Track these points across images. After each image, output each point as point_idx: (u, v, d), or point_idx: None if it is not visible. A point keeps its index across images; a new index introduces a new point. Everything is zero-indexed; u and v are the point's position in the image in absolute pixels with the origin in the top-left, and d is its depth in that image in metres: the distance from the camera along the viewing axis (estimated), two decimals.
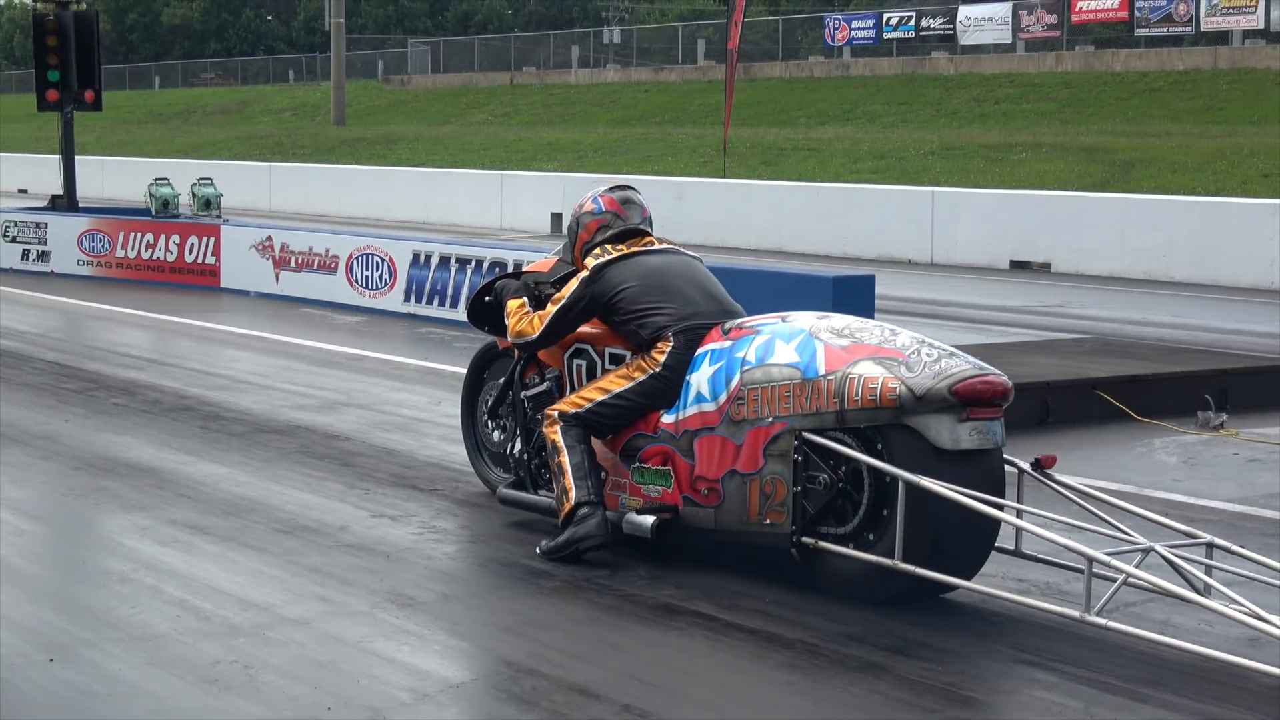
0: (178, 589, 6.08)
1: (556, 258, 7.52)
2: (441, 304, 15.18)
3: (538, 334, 6.99)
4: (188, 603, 5.90)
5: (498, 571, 6.49)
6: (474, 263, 14.96)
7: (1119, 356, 11.34)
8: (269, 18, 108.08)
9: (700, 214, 25.94)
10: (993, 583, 6.02)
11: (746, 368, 6.20)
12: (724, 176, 28.77)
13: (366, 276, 16.18)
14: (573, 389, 6.96)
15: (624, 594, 6.08)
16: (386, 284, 15.94)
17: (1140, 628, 5.37)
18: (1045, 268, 21.57)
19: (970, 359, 5.92)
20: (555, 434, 6.68)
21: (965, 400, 5.74)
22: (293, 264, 17.16)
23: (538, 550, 6.56)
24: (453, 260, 15.29)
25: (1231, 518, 7.53)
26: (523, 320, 7.06)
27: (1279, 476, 8.53)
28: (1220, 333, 14.82)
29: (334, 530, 7.02)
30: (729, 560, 6.40)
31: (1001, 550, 6.08)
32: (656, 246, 7.03)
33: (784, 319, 6.34)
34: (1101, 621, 5.30)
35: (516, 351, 7.36)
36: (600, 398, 6.67)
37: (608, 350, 6.90)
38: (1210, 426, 9.73)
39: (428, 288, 15.45)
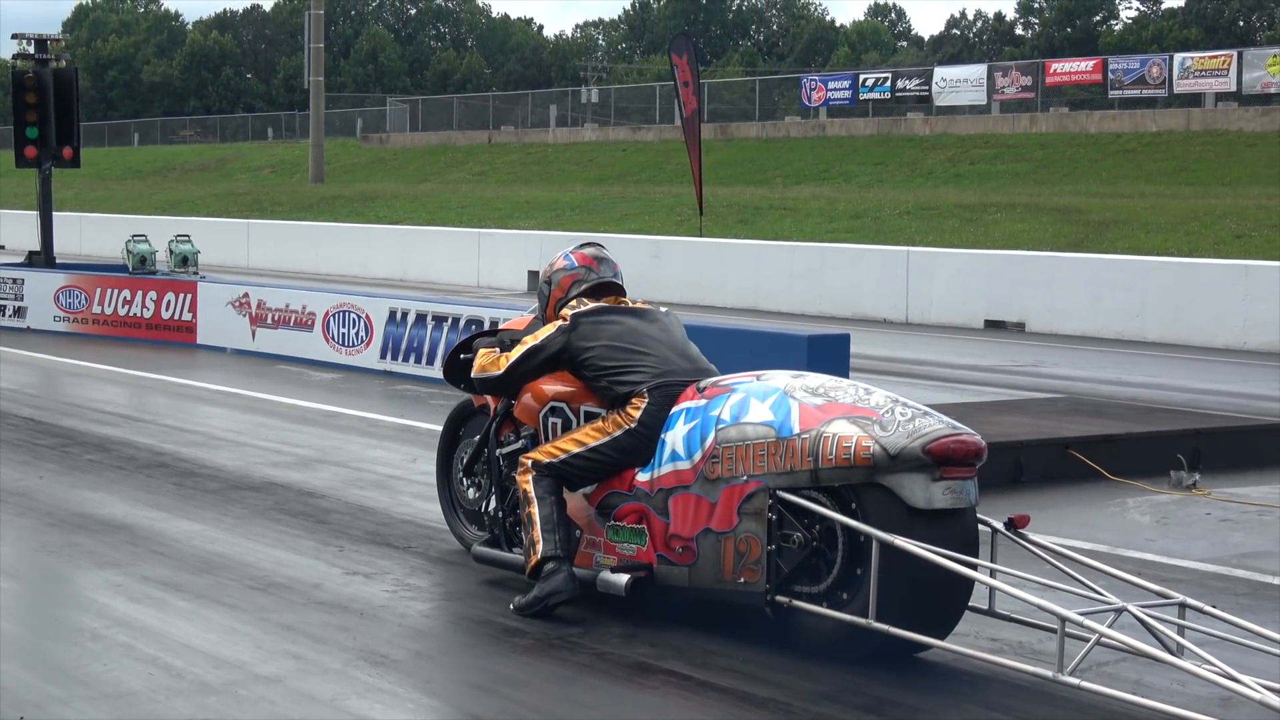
0: (150, 646, 6.06)
1: (532, 315, 7.56)
2: (418, 361, 15.19)
3: (502, 371, 7.01)
4: (160, 660, 5.88)
5: (471, 629, 6.49)
6: (450, 320, 14.98)
7: (1092, 416, 11.38)
8: (248, 76, 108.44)
9: (676, 273, 26.02)
10: (966, 642, 6.02)
11: (721, 426, 6.22)
12: (700, 235, 28.86)
13: (343, 333, 16.19)
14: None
15: (597, 652, 6.07)
16: (363, 341, 15.95)
17: (1113, 688, 5.38)
18: (1019, 327, 21.66)
19: (944, 418, 5.95)
20: (527, 483, 6.69)
21: (939, 459, 5.77)
22: (269, 321, 17.16)
23: (511, 607, 6.56)
24: (429, 318, 15.31)
25: (1204, 577, 7.56)
26: (488, 358, 7.10)
27: (1251, 536, 8.56)
28: (1193, 393, 14.88)
29: (307, 588, 7.01)
30: (703, 619, 6.40)
31: (975, 609, 6.09)
32: (632, 306, 7.07)
33: (759, 377, 6.37)
34: (1074, 681, 5.30)
35: (492, 409, 7.38)
36: (575, 450, 6.69)
37: (583, 408, 6.90)
38: (1183, 486, 9.76)
39: (404, 345, 15.45)
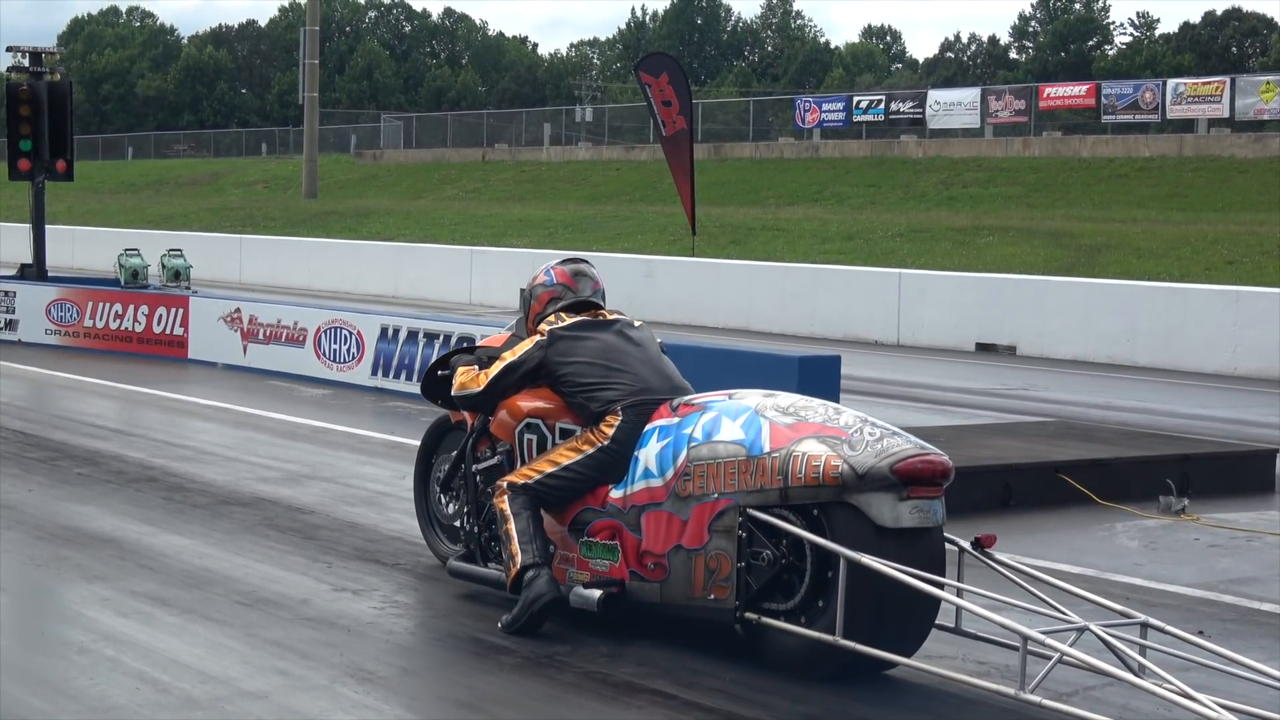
0: (137, 660, 6.06)
1: (510, 333, 7.64)
2: (409, 378, 15.18)
3: (482, 388, 7.07)
4: (147, 674, 5.88)
5: (458, 647, 6.49)
6: (442, 337, 14.98)
7: (1082, 440, 11.39)
8: (243, 91, 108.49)
9: (669, 292, 26.02)
10: (940, 662, 6.03)
11: (693, 444, 6.27)
12: (693, 255, 28.89)
13: (334, 350, 16.19)
14: (523, 462, 7.01)
15: (583, 671, 6.08)
16: (354, 357, 15.95)
17: (1075, 706, 5.39)
18: (1010, 350, 21.68)
19: (912, 439, 6.00)
20: (503, 503, 6.75)
21: (906, 479, 5.82)
22: (261, 336, 17.16)
23: (499, 626, 6.55)
24: (420, 334, 15.31)
25: (1191, 603, 7.57)
26: (467, 375, 7.15)
27: (1239, 562, 8.57)
28: (1183, 418, 14.90)
29: (295, 603, 7.01)
30: (689, 638, 6.41)
31: (942, 628, 6.13)
32: (609, 319, 7.11)
33: (731, 396, 6.43)
34: (1036, 699, 5.33)
35: (469, 425, 7.41)
36: (549, 470, 6.74)
37: (559, 425, 6.95)
38: (1172, 511, 9.77)
39: (395, 362, 15.45)
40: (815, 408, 6.20)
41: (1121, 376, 18.89)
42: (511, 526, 6.65)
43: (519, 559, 6.56)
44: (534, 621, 6.48)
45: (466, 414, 7.47)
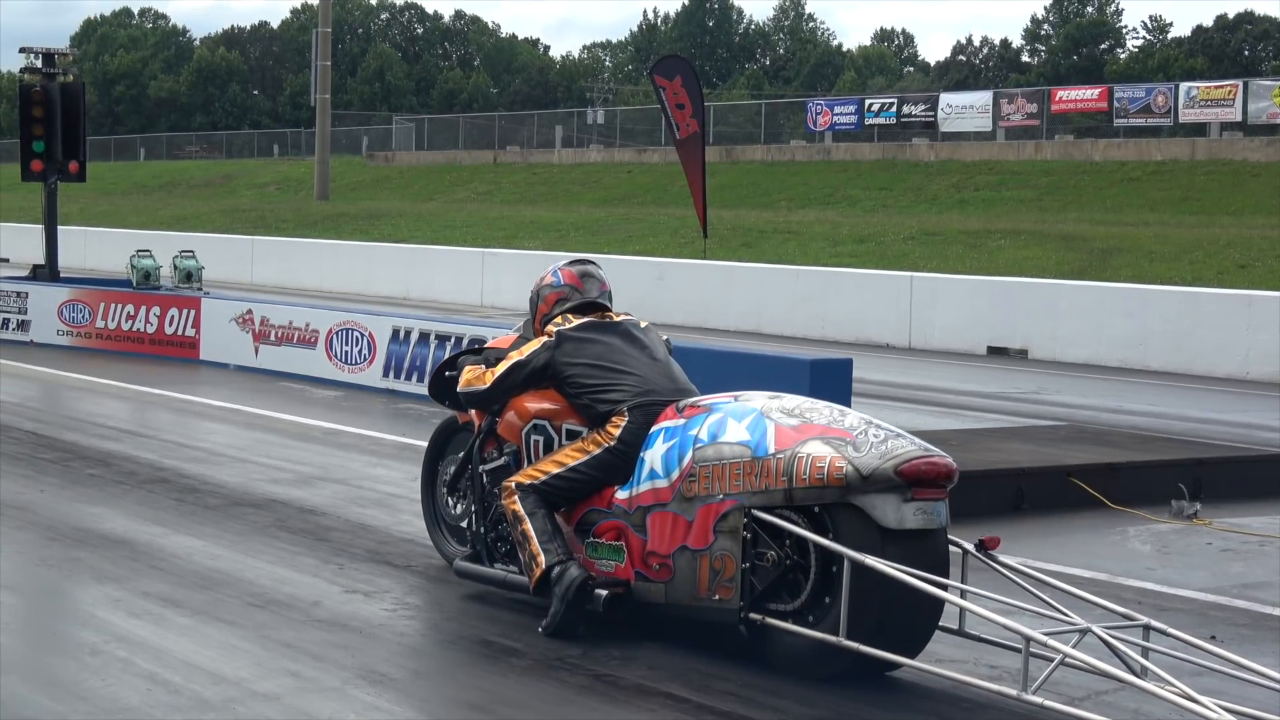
0: (149, 662, 6.06)
1: (518, 334, 7.66)
2: (420, 380, 15.17)
3: (488, 386, 7.10)
4: (158, 676, 5.88)
5: (470, 649, 6.49)
6: (453, 339, 14.98)
7: (1094, 444, 11.38)
8: (255, 92, 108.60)
9: (680, 295, 26.03)
10: (946, 664, 6.03)
11: (699, 445, 6.28)
12: (704, 258, 28.88)
13: (346, 351, 16.20)
14: (530, 463, 7.01)
15: (595, 674, 6.07)
16: (366, 359, 15.96)
17: (1083, 709, 5.39)
18: (1022, 354, 21.65)
19: (916, 440, 6.02)
20: (514, 504, 6.74)
21: (910, 480, 5.83)
22: (272, 338, 17.17)
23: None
24: (432, 336, 15.32)
25: (1204, 607, 7.56)
26: (473, 374, 7.19)
27: (1252, 567, 8.56)
28: (1195, 422, 14.87)
29: (307, 605, 7.01)
30: (701, 641, 6.41)
31: (945, 629, 6.14)
32: (615, 320, 7.12)
33: (736, 398, 6.46)
34: (1038, 701, 5.33)
35: (476, 425, 7.42)
36: (556, 470, 6.76)
37: (565, 426, 6.97)
38: (1184, 516, 9.75)
39: (407, 363, 15.46)
40: (820, 409, 6.23)
41: (1133, 380, 18.87)
42: (529, 526, 6.65)
43: (542, 559, 6.56)
44: (571, 612, 6.45)
45: (474, 415, 7.49)
